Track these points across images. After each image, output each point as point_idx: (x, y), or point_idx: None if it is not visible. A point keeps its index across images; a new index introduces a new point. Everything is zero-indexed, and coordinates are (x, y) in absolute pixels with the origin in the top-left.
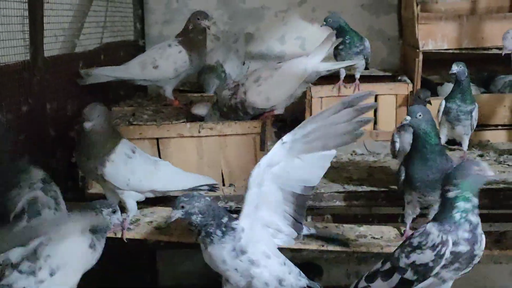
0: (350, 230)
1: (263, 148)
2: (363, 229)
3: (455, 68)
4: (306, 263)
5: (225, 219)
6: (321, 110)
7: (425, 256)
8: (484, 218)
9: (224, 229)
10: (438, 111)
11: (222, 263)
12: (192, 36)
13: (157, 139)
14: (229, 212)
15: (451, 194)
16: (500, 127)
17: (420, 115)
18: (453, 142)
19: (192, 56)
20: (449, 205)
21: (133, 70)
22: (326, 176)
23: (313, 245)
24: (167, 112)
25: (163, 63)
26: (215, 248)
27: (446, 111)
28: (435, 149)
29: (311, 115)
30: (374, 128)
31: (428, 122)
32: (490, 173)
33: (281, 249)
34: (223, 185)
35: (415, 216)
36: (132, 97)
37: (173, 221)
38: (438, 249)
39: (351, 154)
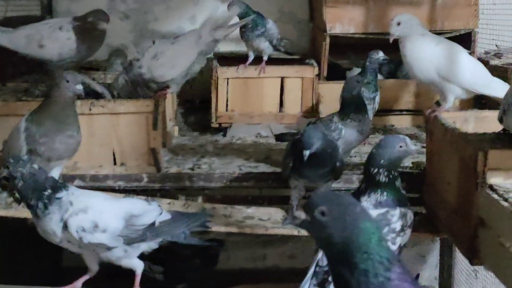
0: (238, 212)
1: (156, 127)
2: (251, 210)
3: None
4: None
5: (47, 192)
6: (226, 91)
7: None
8: None
9: (46, 201)
10: None
11: (54, 236)
12: (89, 27)
13: None
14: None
15: (380, 178)
16: (404, 112)
17: None
18: None
19: (80, 47)
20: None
21: (17, 41)
22: (224, 157)
23: None
24: None
25: (49, 44)
26: (42, 221)
27: None
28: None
29: (217, 96)
30: (280, 111)
31: None
32: (413, 147)
33: None
34: (114, 164)
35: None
36: (32, 73)
37: None
38: None
39: (256, 136)
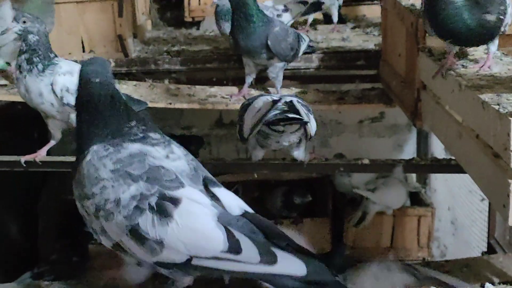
0: (201, 91)
1: (121, 14)
2: (214, 90)
3: None
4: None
5: (52, 54)
6: None
7: None
8: (331, 79)
9: (47, 63)
10: None
11: (37, 96)
12: None
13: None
14: None
15: None
16: (376, 2)
17: None
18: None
19: None
20: None
21: None
22: (195, 46)
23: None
24: None
25: None
26: (33, 80)
27: None
28: (253, 18)
29: None
30: None
31: None
32: None
33: None
34: (83, 51)
35: (255, 77)
36: None
37: None
38: None
39: None
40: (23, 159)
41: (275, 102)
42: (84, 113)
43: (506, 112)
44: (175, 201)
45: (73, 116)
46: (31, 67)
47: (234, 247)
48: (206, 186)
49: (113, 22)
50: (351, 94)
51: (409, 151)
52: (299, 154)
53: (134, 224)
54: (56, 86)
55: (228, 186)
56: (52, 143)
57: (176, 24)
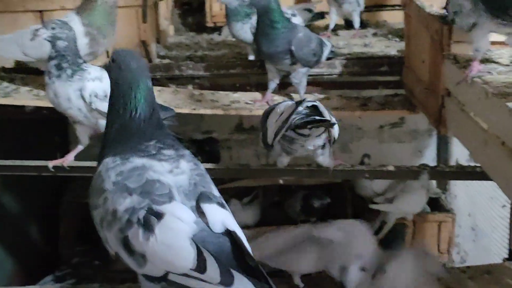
0: (225, 96)
1: (145, 19)
2: (238, 95)
3: None
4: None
5: (81, 60)
6: None
7: None
8: (354, 85)
9: (76, 68)
10: None
11: (65, 101)
12: None
13: (41, 11)
14: None
15: None
16: (397, 7)
17: None
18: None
19: None
20: None
21: None
22: (218, 51)
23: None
24: None
25: None
26: (62, 85)
27: None
28: (277, 25)
29: None
30: None
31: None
32: None
33: None
34: (107, 57)
35: (278, 82)
36: None
37: None
38: None
39: None
40: (51, 164)
41: (298, 104)
42: (115, 121)
43: None
44: (159, 216)
45: (101, 122)
46: (60, 73)
47: (201, 266)
48: (198, 202)
49: (137, 27)
50: (374, 100)
51: (429, 157)
52: (324, 159)
53: (125, 236)
54: (85, 92)
55: (249, 190)
56: (79, 148)
57: (197, 29)
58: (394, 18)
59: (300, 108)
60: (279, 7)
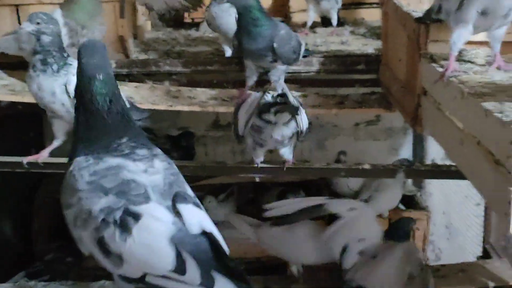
0: (202, 93)
1: (122, 15)
2: (215, 92)
3: None
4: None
5: (66, 54)
6: None
7: None
8: (331, 83)
9: (62, 63)
10: None
11: (49, 95)
12: None
13: (17, 6)
14: None
15: None
16: (375, 5)
17: None
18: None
19: None
20: None
21: None
22: (195, 47)
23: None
24: None
25: None
26: (47, 79)
27: None
28: (259, 22)
29: None
30: None
31: None
32: None
33: None
34: None
35: (256, 79)
36: None
37: None
38: None
39: None
40: (25, 160)
41: (264, 92)
42: (81, 116)
43: (509, 120)
44: (137, 216)
45: None
46: (46, 68)
47: (180, 268)
48: (174, 202)
49: (114, 23)
50: (351, 98)
51: (405, 155)
52: (285, 152)
53: (100, 236)
54: (70, 86)
55: (224, 187)
56: (55, 144)
57: (175, 25)
58: (372, 16)
59: (268, 96)
60: (259, 4)
